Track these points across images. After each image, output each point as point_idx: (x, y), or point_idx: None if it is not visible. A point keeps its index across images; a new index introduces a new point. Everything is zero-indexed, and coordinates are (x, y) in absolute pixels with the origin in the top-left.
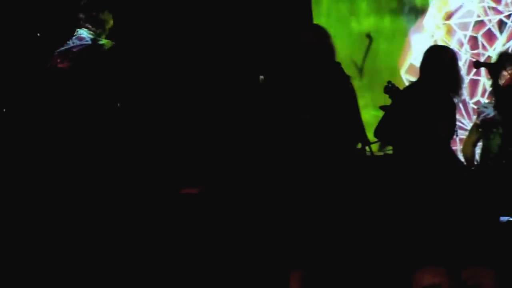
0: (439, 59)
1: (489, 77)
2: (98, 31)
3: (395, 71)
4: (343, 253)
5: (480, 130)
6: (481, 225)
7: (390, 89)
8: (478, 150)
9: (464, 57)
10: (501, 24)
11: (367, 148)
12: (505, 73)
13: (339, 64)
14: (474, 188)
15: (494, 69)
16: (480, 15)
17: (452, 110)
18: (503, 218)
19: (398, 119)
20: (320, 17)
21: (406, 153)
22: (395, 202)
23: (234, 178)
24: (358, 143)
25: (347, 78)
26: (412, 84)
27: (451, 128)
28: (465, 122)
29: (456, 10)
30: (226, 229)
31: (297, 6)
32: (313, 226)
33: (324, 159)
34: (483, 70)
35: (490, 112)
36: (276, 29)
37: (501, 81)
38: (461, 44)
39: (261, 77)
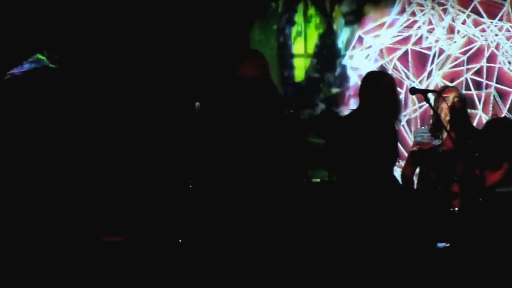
0: (377, 86)
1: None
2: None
3: None
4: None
5: (417, 155)
6: (418, 251)
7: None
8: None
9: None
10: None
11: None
12: (444, 105)
13: (276, 91)
14: (412, 214)
15: (432, 97)
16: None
17: (392, 135)
18: (440, 245)
19: (338, 147)
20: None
21: (347, 180)
22: (333, 228)
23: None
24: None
25: (287, 104)
26: (352, 111)
27: (392, 154)
28: None
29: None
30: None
31: (234, 32)
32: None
33: (263, 184)
34: None
35: (426, 138)
36: (213, 56)
37: (441, 112)
38: None
39: (197, 104)
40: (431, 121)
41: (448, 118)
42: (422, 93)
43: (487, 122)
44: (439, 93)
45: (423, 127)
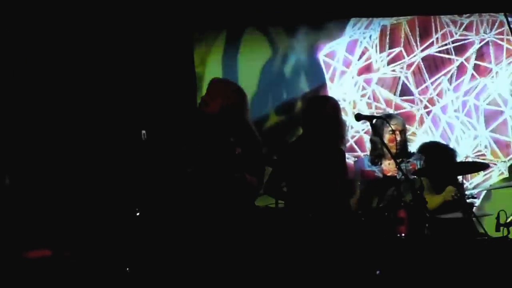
0: (319, 111)
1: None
2: None
3: None
4: None
5: (358, 183)
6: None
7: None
8: None
9: None
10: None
11: None
12: (386, 135)
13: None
14: (355, 241)
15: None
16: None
17: (340, 159)
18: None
19: (284, 174)
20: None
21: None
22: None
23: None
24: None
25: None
26: (298, 138)
27: (341, 178)
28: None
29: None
30: None
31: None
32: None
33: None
34: None
35: (367, 167)
36: (157, 85)
37: (385, 139)
38: None
39: (143, 132)
40: (371, 147)
41: (392, 144)
42: (367, 120)
43: (422, 147)
44: (383, 120)
45: (363, 156)
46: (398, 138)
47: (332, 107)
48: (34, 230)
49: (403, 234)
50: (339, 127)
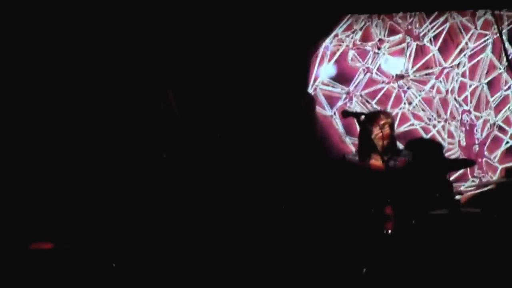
0: None
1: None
2: None
3: None
4: None
5: None
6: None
7: None
8: None
9: None
10: None
11: None
12: (376, 129)
13: None
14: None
15: (364, 121)
16: None
17: None
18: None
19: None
20: None
21: None
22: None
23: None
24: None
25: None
26: None
27: None
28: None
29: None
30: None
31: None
32: None
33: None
34: None
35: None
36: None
37: (373, 135)
38: None
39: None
40: (358, 144)
41: (381, 143)
42: (354, 116)
43: (410, 143)
44: (371, 117)
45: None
46: (386, 133)
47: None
48: (38, 224)
49: (389, 231)
50: None
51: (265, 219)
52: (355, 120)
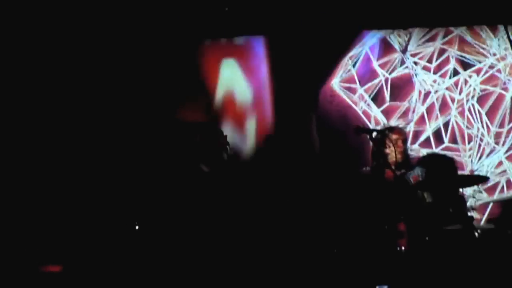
0: None
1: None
2: None
3: None
4: None
5: None
6: None
7: None
8: None
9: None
10: None
11: None
12: (389, 145)
13: None
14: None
15: (376, 137)
16: None
17: None
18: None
19: None
20: None
21: None
22: None
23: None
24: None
25: None
26: None
27: None
28: None
29: None
30: None
31: None
32: None
33: None
34: None
35: None
36: None
37: (387, 153)
38: None
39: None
40: (371, 160)
41: (394, 159)
42: (367, 133)
43: (423, 159)
44: (384, 134)
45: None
46: (399, 149)
47: None
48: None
49: (403, 248)
50: None
51: (279, 230)
52: (368, 137)
